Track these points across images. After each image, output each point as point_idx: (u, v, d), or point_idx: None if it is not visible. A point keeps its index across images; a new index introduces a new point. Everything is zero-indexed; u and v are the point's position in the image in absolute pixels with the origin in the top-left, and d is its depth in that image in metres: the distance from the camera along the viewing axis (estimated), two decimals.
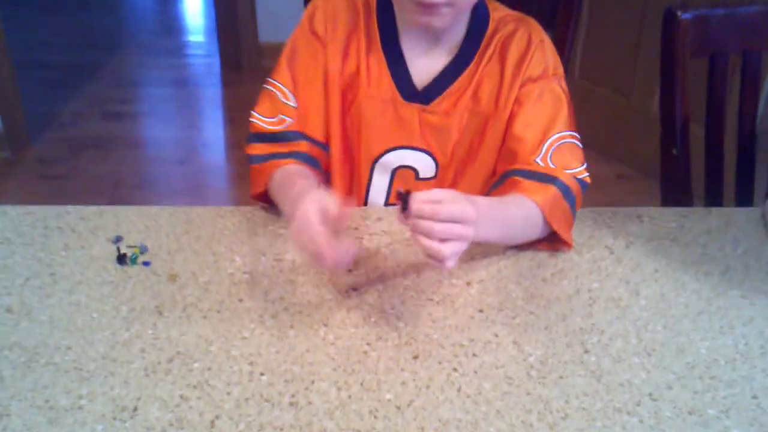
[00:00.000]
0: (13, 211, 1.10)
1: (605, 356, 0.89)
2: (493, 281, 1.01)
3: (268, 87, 1.15)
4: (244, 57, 3.60)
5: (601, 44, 2.81)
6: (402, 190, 0.86)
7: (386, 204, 1.22)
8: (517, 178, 1.07)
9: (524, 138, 1.09)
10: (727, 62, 1.37)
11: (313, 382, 0.84)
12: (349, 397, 0.82)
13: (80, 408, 0.79)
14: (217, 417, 0.79)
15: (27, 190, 2.68)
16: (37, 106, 3.17)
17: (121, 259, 1.01)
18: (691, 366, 0.88)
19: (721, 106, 1.39)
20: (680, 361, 0.89)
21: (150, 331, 0.90)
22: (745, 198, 1.45)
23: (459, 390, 0.84)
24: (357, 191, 1.21)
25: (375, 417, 0.80)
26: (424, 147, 1.16)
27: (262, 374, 0.85)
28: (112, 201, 2.63)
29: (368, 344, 0.90)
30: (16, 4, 4.14)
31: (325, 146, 1.16)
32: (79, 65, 3.67)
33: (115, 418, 0.78)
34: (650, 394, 0.84)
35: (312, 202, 0.87)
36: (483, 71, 1.12)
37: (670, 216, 1.17)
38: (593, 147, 2.35)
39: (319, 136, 1.15)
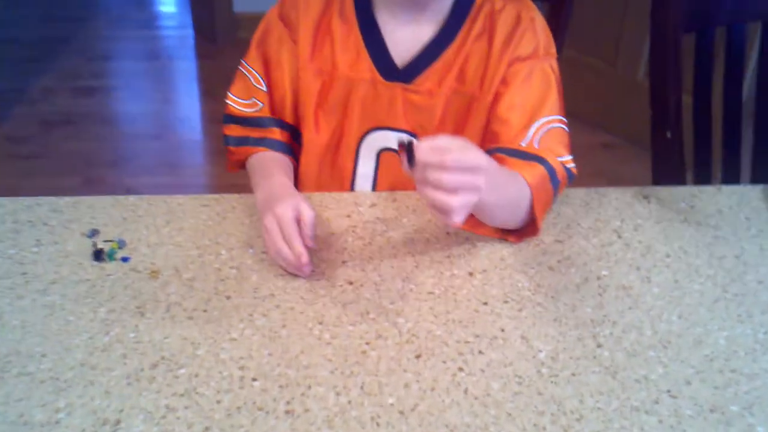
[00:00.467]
0: None
1: (619, 350, 0.84)
2: (497, 271, 0.95)
3: (241, 69, 1.14)
4: (219, 28, 3.49)
5: (587, 12, 2.74)
6: (405, 139, 0.79)
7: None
8: (501, 155, 0.99)
9: (509, 120, 1.02)
10: (714, 36, 1.31)
11: (309, 386, 0.78)
12: (349, 402, 0.77)
13: (57, 422, 0.73)
14: (207, 429, 0.73)
15: None
16: (4, 82, 3.08)
17: (98, 255, 0.94)
18: (709, 359, 0.84)
19: (708, 83, 1.33)
20: (698, 354, 0.84)
21: (131, 335, 0.84)
22: (732, 170, 1.40)
23: (466, 391, 0.78)
24: (343, 181, 1.14)
25: (377, 424, 0.74)
26: (408, 128, 1.09)
27: (254, 380, 0.79)
28: (86, 180, 2.55)
29: (367, 343, 0.84)
30: None
31: (298, 132, 1.13)
32: (47, 39, 3.55)
33: None
34: (668, 391, 0.79)
35: (290, 209, 0.90)
36: (469, 49, 1.05)
37: (679, 195, 1.12)
38: (579, 116, 2.30)
39: (291, 121, 1.13)
